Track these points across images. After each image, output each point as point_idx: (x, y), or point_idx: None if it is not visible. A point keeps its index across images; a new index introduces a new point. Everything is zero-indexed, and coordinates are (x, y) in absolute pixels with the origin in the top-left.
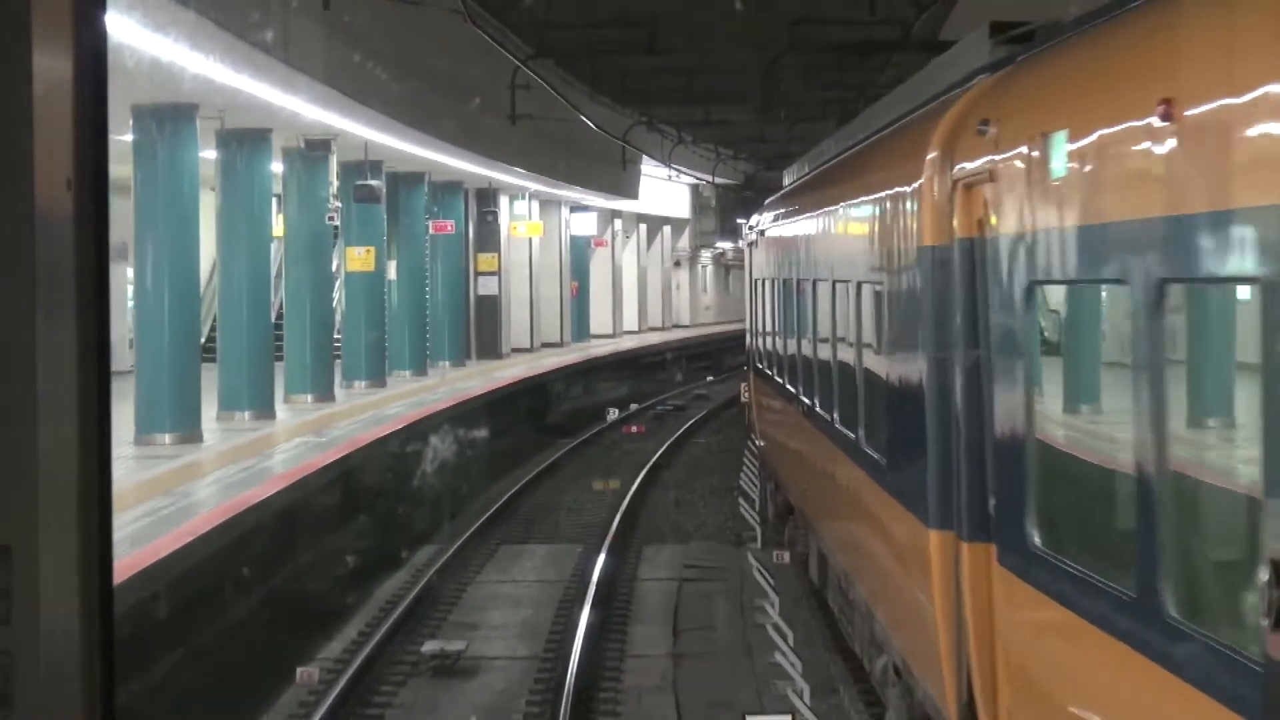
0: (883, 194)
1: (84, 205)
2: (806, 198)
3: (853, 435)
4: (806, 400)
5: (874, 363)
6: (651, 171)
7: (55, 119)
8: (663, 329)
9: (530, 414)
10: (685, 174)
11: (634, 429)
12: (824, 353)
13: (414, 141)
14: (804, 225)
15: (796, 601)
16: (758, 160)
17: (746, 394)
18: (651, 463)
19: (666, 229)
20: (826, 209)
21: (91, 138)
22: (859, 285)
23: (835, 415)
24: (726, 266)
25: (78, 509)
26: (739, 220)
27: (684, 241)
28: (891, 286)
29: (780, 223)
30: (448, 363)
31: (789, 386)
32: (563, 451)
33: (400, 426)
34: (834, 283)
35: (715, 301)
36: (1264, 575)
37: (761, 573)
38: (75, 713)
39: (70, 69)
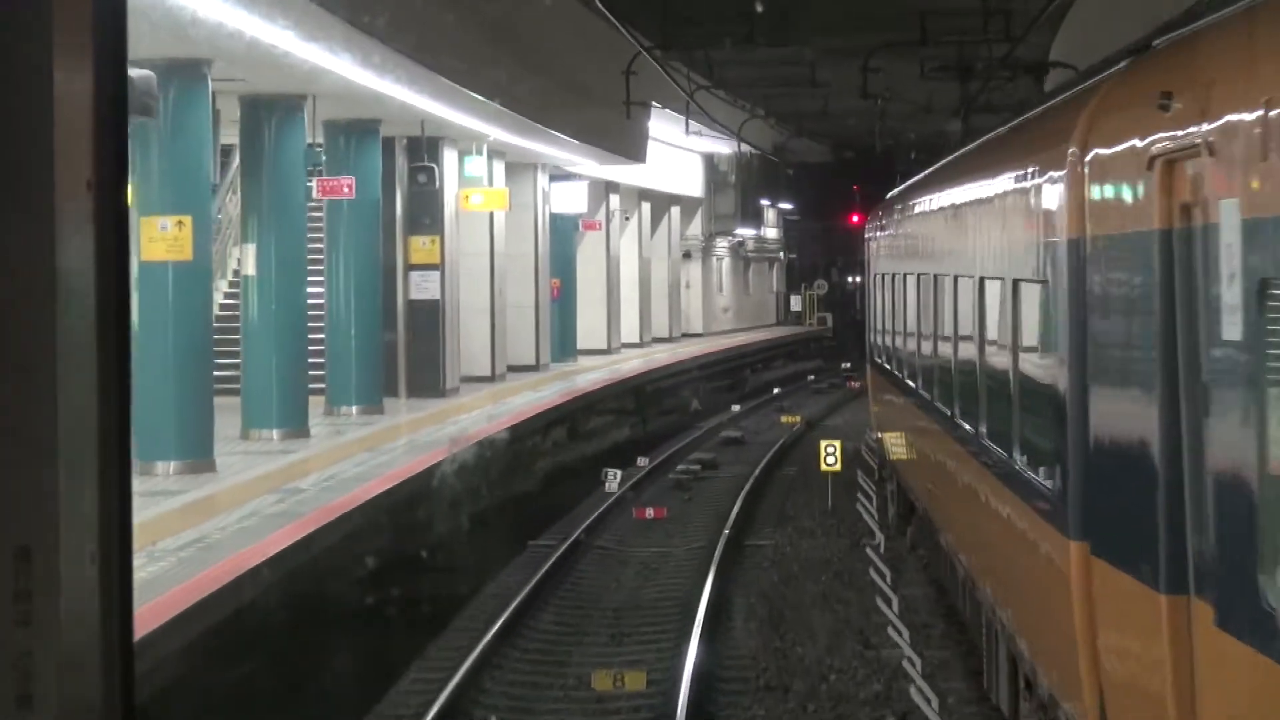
0: None
1: (104, 206)
2: None
3: None
4: None
5: None
6: (660, 131)
7: (75, 121)
8: (670, 340)
9: (483, 496)
10: (707, 134)
11: (649, 513)
12: None
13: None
14: None
15: None
16: (789, 121)
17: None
18: (702, 609)
19: (675, 210)
20: None
21: (111, 139)
22: None
23: None
24: (746, 259)
25: (98, 509)
26: (763, 201)
27: (694, 227)
28: None
29: None
30: (355, 409)
31: None
32: (534, 581)
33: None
34: None
35: (733, 303)
36: None
37: None
38: (95, 713)
39: (90, 72)
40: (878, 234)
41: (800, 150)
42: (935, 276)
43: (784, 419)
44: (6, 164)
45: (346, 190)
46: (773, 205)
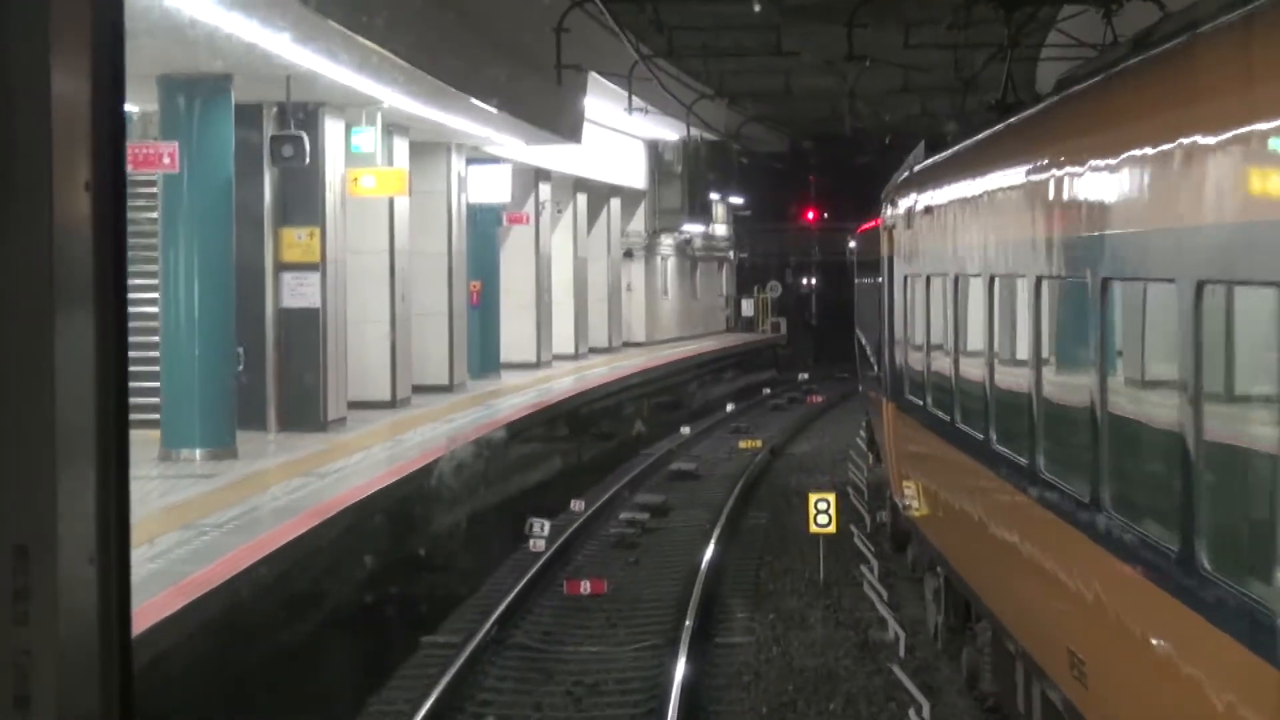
0: None
1: (102, 207)
2: None
3: None
4: None
5: None
6: (597, 111)
7: (73, 123)
8: (609, 350)
9: (353, 583)
10: (653, 113)
11: (585, 586)
12: None
13: None
14: None
15: None
16: (745, 102)
17: None
18: None
19: (615, 203)
20: None
21: (109, 141)
22: None
23: None
24: (694, 258)
25: (95, 509)
26: (712, 195)
27: (636, 223)
28: None
29: None
30: (198, 452)
31: None
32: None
33: None
34: None
35: (679, 308)
36: None
37: None
38: (93, 713)
39: (88, 75)
40: (913, 218)
41: (755, 138)
42: (1104, 282)
43: (743, 444)
44: (5, 166)
45: (167, 161)
46: (723, 199)
